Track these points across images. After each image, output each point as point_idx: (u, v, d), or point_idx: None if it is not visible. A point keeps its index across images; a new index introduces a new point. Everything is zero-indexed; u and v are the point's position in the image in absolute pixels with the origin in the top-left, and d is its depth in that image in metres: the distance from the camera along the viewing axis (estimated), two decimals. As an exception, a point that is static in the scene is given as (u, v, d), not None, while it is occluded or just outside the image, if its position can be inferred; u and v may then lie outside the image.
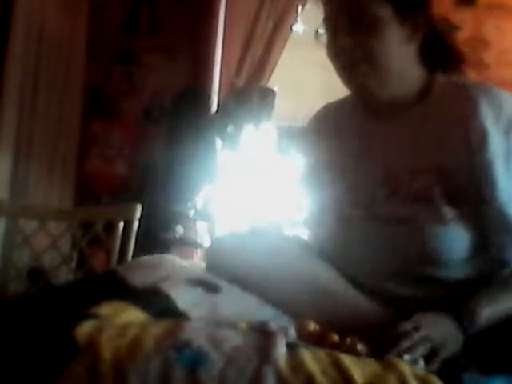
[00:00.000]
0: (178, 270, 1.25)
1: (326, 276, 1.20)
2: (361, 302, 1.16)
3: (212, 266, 1.22)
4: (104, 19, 3.07)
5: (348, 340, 0.90)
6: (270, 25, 2.98)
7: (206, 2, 3.01)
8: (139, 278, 1.13)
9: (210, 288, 1.09)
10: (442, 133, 1.18)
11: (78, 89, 3.00)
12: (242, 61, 2.98)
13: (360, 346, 0.88)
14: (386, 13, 1.17)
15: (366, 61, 1.18)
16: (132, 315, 0.91)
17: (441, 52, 1.26)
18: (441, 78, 1.24)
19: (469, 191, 1.14)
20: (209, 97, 2.97)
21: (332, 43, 1.22)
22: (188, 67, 3.05)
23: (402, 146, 1.22)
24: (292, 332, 0.91)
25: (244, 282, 1.14)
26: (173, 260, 1.35)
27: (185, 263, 1.36)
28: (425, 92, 1.23)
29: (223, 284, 1.12)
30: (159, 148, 3.03)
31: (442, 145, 1.17)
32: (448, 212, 1.13)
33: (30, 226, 2.27)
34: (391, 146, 1.23)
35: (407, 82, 1.23)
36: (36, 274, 2.30)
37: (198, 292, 1.08)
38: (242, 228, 2.73)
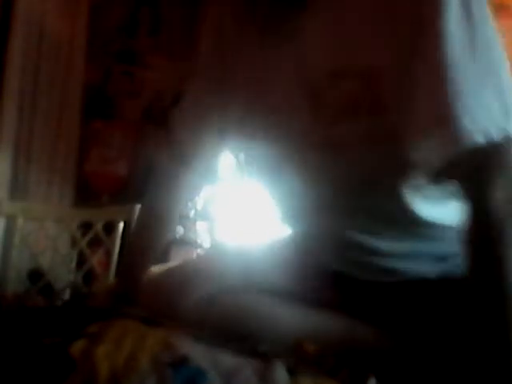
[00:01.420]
0: None
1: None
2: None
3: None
4: (104, 19, 3.06)
5: (352, 368, 0.87)
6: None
7: (206, 2, 3.01)
8: None
9: None
10: (370, 11, 0.88)
11: (78, 89, 3.00)
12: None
13: (364, 375, 0.86)
14: None
15: None
16: (125, 325, 0.90)
17: None
18: None
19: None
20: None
21: None
22: (188, 67, 3.05)
23: (317, 40, 0.93)
24: (286, 353, 0.88)
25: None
26: None
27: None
28: None
29: None
30: (159, 148, 3.03)
31: (372, 32, 0.87)
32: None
33: (29, 226, 2.27)
34: (305, 42, 0.94)
35: None
36: (36, 275, 2.30)
37: None
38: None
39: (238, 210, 2.90)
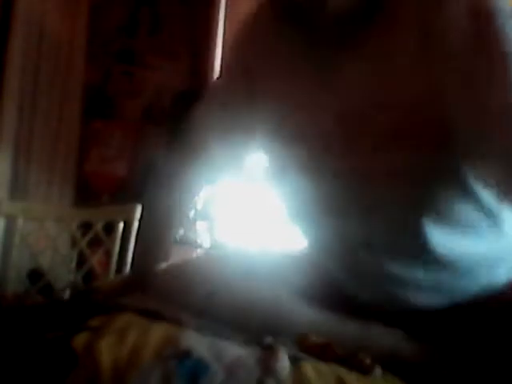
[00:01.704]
0: None
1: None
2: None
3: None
4: (104, 19, 3.06)
5: (358, 356, 0.88)
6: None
7: (206, 2, 3.01)
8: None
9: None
10: (417, 49, 0.90)
11: (78, 89, 3.00)
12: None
13: (369, 363, 0.86)
14: None
15: None
16: (128, 319, 0.90)
17: None
18: None
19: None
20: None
21: None
22: (188, 67, 3.05)
23: (362, 72, 0.96)
24: (290, 344, 0.88)
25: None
26: None
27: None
28: None
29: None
30: (159, 148, 3.03)
31: (417, 65, 0.89)
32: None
33: (29, 226, 2.27)
34: (351, 76, 0.97)
35: None
36: (36, 275, 2.30)
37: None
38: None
39: (238, 209, 2.90)
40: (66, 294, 2.29)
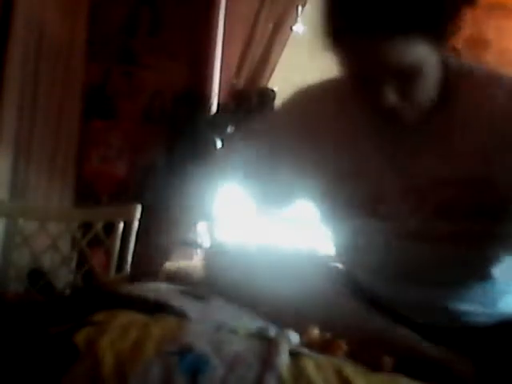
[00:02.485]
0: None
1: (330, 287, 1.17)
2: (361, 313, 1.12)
3: (209, 278, 1.23)
4: (104, 19, 3.06)
5: (372, 352, 0.88)
6: (270, 25, 2.98)
7: (206, 2, 3.01)
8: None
9: (197, 297, 1.08)
10: (473, 136, 1.06)
11: (78, 89, 3.00)
12: (241, 61, 2.98)
13: (388, 361, 0.87)
14: (424, 51, 1.00)
15: (406, 99, 1.04)
16: (129, 316, 0.90)
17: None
18: (453, 64, 1.09)
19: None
20: (209, 97, 2.97)
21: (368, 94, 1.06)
22: (188, 67, 3.05)
23: (427, 154, 1.10)
24: (294, 338, 0.89)
25: (242, 295, 1.10)
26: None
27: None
28: (444, 86, 1.07)
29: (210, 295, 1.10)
30: (159, 148, 3.03)
31: (475, 151, 1.06)
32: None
33: (29, 226, 2.27)
34: (415, 154, 1.11)
35: (431, 85, 1.06)
36: (36, 275, 2.30)
37: (189, 299, 1.07)
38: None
39: (239, 209, 2.90)
40: (66, 294, 2.29)
